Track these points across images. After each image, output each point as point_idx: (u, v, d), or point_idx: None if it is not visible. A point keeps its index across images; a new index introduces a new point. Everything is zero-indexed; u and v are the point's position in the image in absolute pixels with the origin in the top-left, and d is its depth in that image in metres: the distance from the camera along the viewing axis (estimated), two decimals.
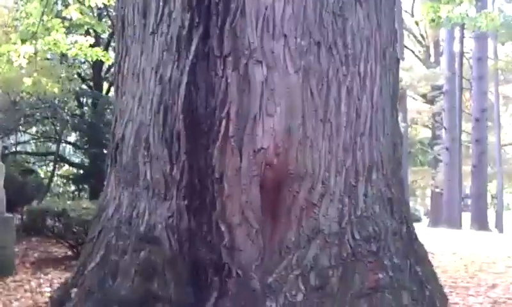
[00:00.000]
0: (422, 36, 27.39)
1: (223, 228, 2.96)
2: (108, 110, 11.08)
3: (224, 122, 2.96)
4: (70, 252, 6.65)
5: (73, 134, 13.11)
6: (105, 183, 3.80)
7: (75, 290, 3.53)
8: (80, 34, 9.24)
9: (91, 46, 8.69)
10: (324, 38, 3.08)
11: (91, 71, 12.70)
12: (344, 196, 3.10)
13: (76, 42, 8.76)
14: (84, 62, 12.08)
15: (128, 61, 3.56)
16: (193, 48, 3.08)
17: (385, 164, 3.36)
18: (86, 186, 12.09)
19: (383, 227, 3.18)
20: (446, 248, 8.35)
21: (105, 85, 12.95)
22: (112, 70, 13.04)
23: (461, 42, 21.87)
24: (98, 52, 8.71)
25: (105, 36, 11.84)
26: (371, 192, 3.20)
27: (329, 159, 3.07)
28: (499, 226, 20.44)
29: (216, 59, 3.02)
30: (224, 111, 2.95)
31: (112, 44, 11.93)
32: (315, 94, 3.04)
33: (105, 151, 10.83)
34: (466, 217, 20.91)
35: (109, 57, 9.23)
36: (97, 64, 11.36)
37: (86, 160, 12.17)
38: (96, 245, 3.43)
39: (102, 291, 3.20)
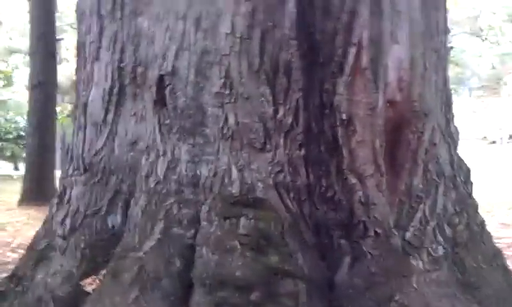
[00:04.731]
0: None
1: (353, 180, 2.71)
2: None
3: (353, 50, 2.70)
4: None
5: None
6: (103, 135, 3.13)
7: (93, 279, 2.91)
8: None
9: None
10: None
11: None
12: (446, 134, 3.15)
13: None
14: None
15: None
16: None
17: None
18: None
19: (465, 164, 3.34)
20: None
21: None
22: None
23: None
24: None
25: None
26: (454, 129, 3.31)
27: (436, 93, 3.07)
28: None
29: None
30: (354, 37, 2.70)
31: None
32: (432, 17, 2.91)
33: None
34: None
35: None
36: None
37: None
38: (137, 218, 2.84)
39: (172, 276, 2.66)
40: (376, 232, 2.70)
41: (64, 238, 3.16)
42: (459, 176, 3.06)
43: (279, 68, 2.69)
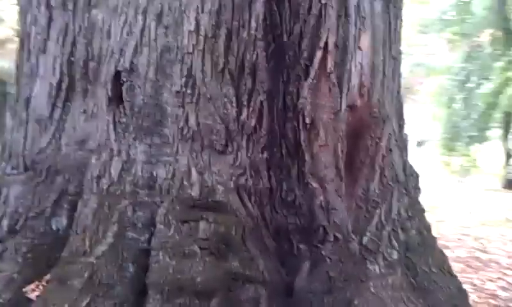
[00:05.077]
0: None
1: (314, 185, 2.70)
2: None
3: (319, 54, 2.69)
4: None
5: None
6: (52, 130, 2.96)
7: (36, 285, 2.74)
8: None
9: None
10: None
11: None
12: (398, 140, 3.19)
13: None
14: None
15: None
16: None
17: None
18: None
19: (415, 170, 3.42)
20: None
21: None
22: None
23: None
24: None
25: None
26: (404, 135, 3.37)
27: (392, 100, 3.12)
28: None
29: None
30: (321, 40, 2.69)
31: None
32: (392, 25, 2.95)
33: None
34: None
35: None
36: None
37: None
38: (88, 221, 2.70)
39: (125, 282, 2.55)
40: (335, 237, 2.71)
41: (0, 241, 2.97)
42: (410, 182, 3.13)
43: (244, 68, 2.65)
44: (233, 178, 2.65)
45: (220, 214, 2.61)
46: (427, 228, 3.16)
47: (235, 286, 2.52)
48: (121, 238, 2.61)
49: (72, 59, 2.90)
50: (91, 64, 2.88)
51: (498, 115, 17.51)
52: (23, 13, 3.17)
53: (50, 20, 3.00)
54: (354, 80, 2.78)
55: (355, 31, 2.75)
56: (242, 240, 2.60)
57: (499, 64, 15.74)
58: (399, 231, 2.93)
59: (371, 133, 2.88)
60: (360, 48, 2.79)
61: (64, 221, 2.86)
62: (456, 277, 3.15)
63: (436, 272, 2.98)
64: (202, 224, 2.58)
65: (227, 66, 2.64)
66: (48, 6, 3.00)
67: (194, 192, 2.62)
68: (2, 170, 3.14)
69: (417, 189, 3.22)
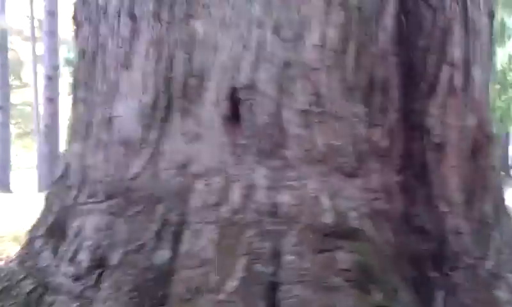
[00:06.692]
0: None
1: (444, 208, 2.59)
2: None
3: (447, 70, 2.59)
4: None
5: None
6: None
7: None
8: None
9: None
10: None
11: None
12: None
13: None
14: None
15: None
16: None
17: None
18: None
19: None
20: None
21: None
22: None
23: None
24: None
25: None
26: None
27: None
28: None
29: None
30: (448, 56, 2.60)
31: None
32: (492, 39, 2.97)
33: None
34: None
35: None
36: None
37: None
38: (207, 254, 2.43)
39: None
40: (466, 263, 2.61)
41: (78, 278, 2.66)
42: (506, 200, 3.10)
43: (374, 85, 2.51)
44: (366, 203, 2.49)
45: (356, 242, 2.44)
46: None
47: None
48: (251, 272, 2.39)
49: (170, 75, 2.65)
50: (192, 81, 2.64)
51: None
52: (92, 24, 2.89)
53: (134, 32, 2.73)
54: (472, 98, 2.71)
55: (473, 46, 2.69)
56: (381, 269, 2.44)
57: None
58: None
59: (483, 153, 2.82)
60: (476, 63, 2.73)
61: (167, 254, 2.58)
62: None
63: None
64: (340, 254, 2.39)
65: (357, 84, 2.49)
66: (132, 17, 2.73)
67: (327, 219, 2.43)
68: (73, 199, 2.83)
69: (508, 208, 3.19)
